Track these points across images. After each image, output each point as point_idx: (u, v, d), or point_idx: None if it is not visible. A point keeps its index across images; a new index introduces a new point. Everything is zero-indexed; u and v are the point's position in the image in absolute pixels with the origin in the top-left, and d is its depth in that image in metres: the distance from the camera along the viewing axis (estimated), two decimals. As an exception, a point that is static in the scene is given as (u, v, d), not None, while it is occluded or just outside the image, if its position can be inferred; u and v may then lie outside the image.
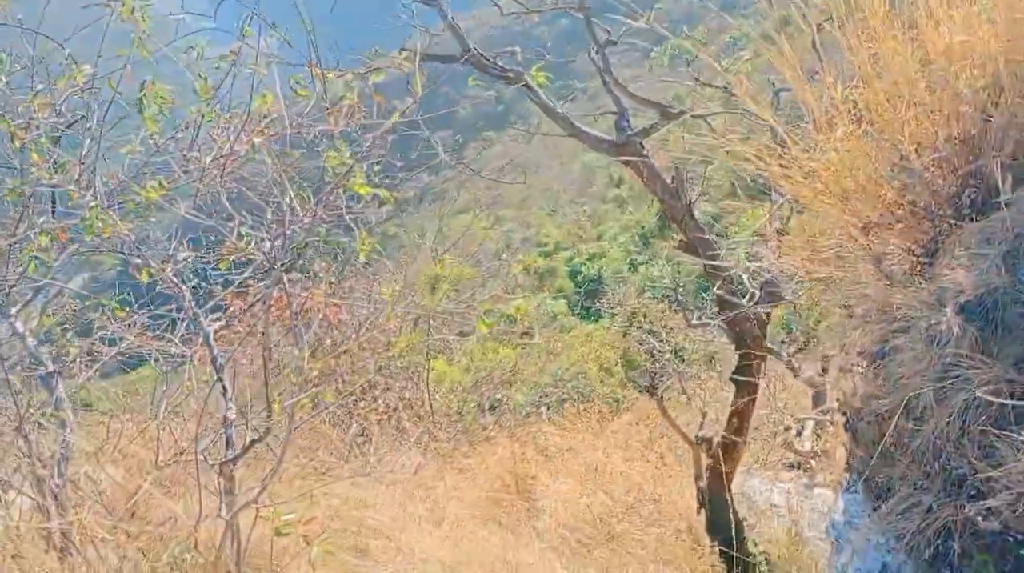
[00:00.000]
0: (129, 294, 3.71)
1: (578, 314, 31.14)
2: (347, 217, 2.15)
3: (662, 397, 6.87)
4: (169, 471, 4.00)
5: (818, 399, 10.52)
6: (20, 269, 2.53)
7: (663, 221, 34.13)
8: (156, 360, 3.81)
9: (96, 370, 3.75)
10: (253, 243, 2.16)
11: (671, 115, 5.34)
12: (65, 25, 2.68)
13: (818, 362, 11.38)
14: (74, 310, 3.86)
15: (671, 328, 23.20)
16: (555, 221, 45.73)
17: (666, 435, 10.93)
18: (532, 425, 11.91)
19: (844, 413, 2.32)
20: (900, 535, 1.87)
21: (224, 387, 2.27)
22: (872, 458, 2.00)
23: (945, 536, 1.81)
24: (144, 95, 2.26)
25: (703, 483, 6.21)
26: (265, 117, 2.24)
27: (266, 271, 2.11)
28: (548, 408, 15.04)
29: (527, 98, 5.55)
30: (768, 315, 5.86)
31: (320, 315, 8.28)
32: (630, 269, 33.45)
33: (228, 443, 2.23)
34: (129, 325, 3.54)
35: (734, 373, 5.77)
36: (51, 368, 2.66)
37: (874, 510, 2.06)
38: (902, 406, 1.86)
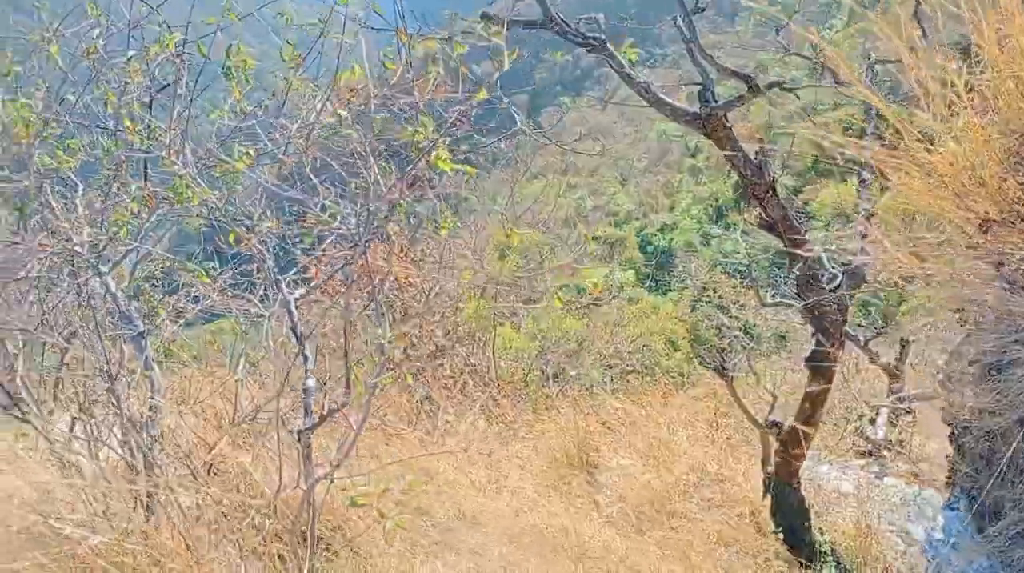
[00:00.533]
0: (212, 250, 3.81)
1: (646, 286, 30.83)
2: (430, 194, 2.13)
3: (732, 378, 6.72)
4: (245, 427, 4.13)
5: (894, 386, 10.16)
6: (114, 230, 2.61)
7: (739, 193, 33.27)
8: (236, 318, 3.92)
9: (180, 326, 3.86)
10: (339, 219, 2.16)
11: (758, 88, 5.12)
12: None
13: (896, 347, 10.95)
14: (162, 269, 3.97)
15: (741, 304, 22.81)
16: (627, 190, 45.10)
17: (732, 414, 10.74)
18: (596, 396, 11.90)
19: (950, 425, 2.17)
20: (1008, 561, 1.75)
21: (305, 356, 2.30)
22: (980, 476, 1.87)
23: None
24: (230, 63, 2.27)
25: (770, 468, 6.08)
26: (352, 89, 2.22)
27: (351, 247, 2.11)
28: (612, 380, 15.00)
29: (606, 64, 5.42)
30: (850, 298, 5.64)
31: (391, 278, 8.39)
32: (702, 242, 32.82)
33: (306, 411, 2.26)
34: (212, 281, 3.64)
35: (810, 358, 5.59)
36: (141, 328, 2.75)
37: (979, 532, 1.93)
38: (1020, 424, 1.72)
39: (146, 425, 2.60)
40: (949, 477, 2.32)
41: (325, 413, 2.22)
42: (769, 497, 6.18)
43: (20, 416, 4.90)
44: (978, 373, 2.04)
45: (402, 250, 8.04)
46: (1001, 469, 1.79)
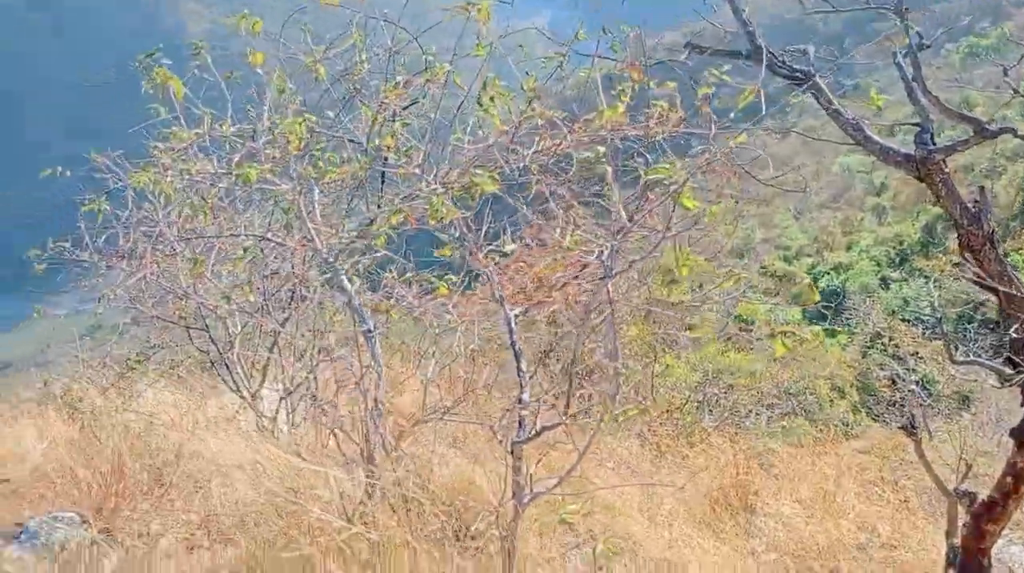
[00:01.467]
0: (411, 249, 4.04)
1: (813, 325, 29.31)
2: (668, 235, 2.18)
3: (920, 439, 6.26)
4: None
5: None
6: (356, 236, 2.89)
7: (928, 237, 30.83)
8: (431, 323, 4.14)
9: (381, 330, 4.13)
10: (598, 255, 2.26)
11: (988, 132, 4.78)
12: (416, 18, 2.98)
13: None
14: (368, 270, 4.27)
15: (920, 356, 21.13)
16: (801, 224, 43.07)
17: (907, 473, 9.98)
18: (752, 433, 11.49)
19: None
20: None
21: (520, 370, 2.43)
22: None
23: None
24: (489, 95, 2.45)
25: (955, 540, 5.59)
26: (610, 127, 2.32)
27: (601, 278, 2.21)
28: (770, 420, 14.44)
29: (791, 91, 5.29)
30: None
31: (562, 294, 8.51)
32: (880, 285, 30.74)
33: (520, 424, 2.38)
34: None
35: (1018, 429, 5.12)
36: (372, 326, 3.01)
37: None
38: None
39: (373, 417, 2.82)
40: None
41: (539, 429, 2.32)
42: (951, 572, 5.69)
43: (233, 388, 5.45)
44: None
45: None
46: None
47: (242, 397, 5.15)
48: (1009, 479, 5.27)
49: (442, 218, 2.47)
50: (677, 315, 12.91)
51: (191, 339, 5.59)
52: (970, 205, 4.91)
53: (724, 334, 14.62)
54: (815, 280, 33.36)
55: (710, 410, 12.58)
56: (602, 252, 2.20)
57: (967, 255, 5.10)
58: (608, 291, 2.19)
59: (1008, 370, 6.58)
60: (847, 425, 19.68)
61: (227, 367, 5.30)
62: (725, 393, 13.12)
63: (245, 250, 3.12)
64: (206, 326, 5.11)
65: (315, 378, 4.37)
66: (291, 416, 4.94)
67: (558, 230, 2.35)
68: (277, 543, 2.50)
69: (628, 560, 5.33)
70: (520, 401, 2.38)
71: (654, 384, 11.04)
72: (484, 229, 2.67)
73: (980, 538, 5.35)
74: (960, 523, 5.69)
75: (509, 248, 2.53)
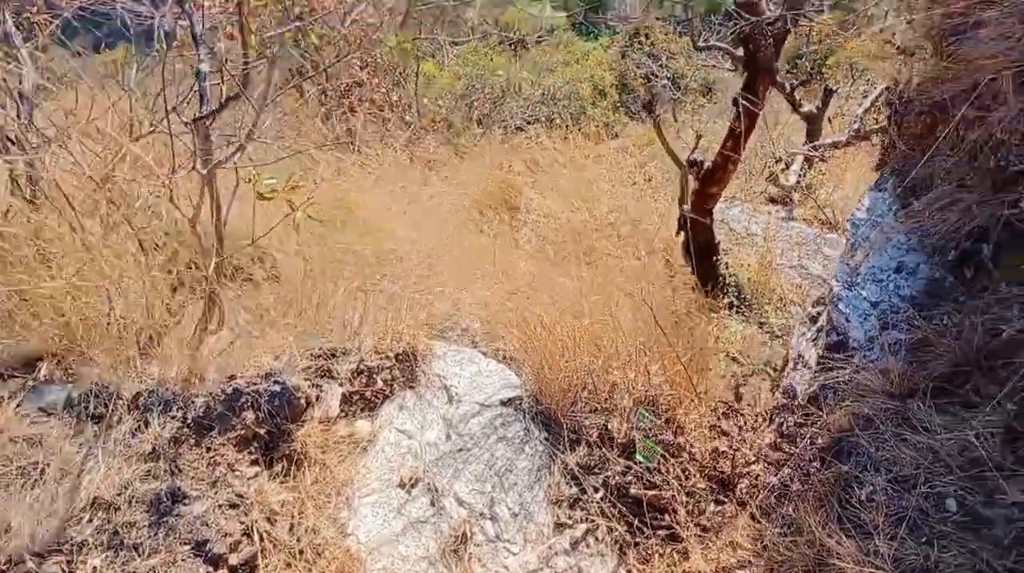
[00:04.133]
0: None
1: (577, 29, 29.57)
2: None
3: (658, 116, 6.61)
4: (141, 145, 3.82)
5: (811, 136, 10.33)
6: None
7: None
8: (125, 26, 3.49)
9: (57, 26, 3.42)
10: None
11: None
12: None
13: (818, 99, 11.01)
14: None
15: (672, 53, 22.34)
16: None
17: (657, 158, 10.82)
18: (521, 138, 11.71)
19: (891, 103, 2.10)
20: (925, 234, 1.76)
21: (195, 38, 1.96)
22: (913, 154, 1.82)
23: (978, 238, 1.71)
24: None
25: (687, 206, 6.20)
26: None
27: None
28: (537, 122, 14.75)
29: None
30: (784, 36, 5.47)
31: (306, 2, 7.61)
32: (641, -17, 31.13)
33: (202, 100, 1.98)
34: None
35: (738, 96, 5.50)
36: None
37: (903, 207, 1.93)
38: (970, 91, 1.64)
39: (19, 100, 2.27)
40: (881, 159, 2.32)
41: (223, 100, 1.95)
42: (682, 235, 6.37)
43: None
44: (934, 45, 1.93)
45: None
46: (935, 142, 1.75)
47: None
48: (730, 142, 5.77)
49: None
50: (437, 20, 12.19)
51: None
52: None
53: (486, 40, 14.19)
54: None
55: (479, 121, 12.54)
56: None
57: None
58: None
59: (739, 52, 6.93)
60: (608, 125, 20.77)
61: None
62: (494, 104, 13.05)
63: None
64: None
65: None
66: None
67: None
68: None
69: (396, 266, 5.36)
70: (198, 73, 1.98)
71: (418, 95, 10.64)
72: None
73: (706, 199, 5.95)
74: (690, 190, 6.27)
75: None
